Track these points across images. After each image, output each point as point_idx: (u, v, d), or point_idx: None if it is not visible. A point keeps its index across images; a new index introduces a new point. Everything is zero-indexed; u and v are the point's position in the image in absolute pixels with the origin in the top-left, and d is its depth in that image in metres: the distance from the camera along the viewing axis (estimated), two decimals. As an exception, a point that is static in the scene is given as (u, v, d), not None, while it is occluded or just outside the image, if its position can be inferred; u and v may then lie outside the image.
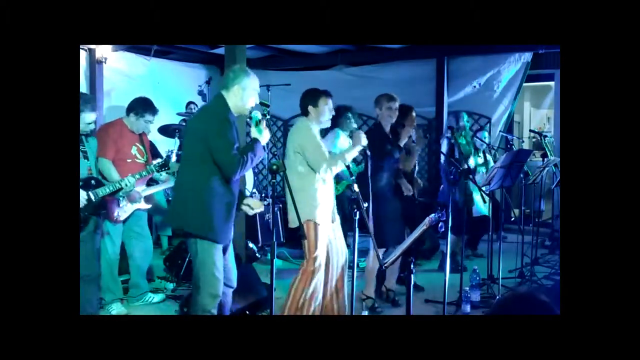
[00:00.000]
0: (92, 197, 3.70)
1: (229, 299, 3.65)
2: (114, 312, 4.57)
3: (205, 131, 3.31)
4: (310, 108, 4.07)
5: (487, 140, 6.57)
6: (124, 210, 4.62)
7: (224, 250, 3.50)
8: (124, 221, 4.68)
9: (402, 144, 4.70)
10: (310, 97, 4.09)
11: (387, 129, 4.76)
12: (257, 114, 3.48)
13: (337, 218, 4.27)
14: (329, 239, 4.17)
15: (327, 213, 4.12)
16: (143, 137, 4.84)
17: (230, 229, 3.46)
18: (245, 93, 3.43)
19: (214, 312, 3.42)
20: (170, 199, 6.98)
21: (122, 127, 4.70)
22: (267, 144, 3.48)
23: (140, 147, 4.76)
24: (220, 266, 3.39)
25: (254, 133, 3.46)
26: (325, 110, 4.08)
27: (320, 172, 3.97)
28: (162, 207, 6.51)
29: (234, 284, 3.65)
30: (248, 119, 3.58)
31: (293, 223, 3.97)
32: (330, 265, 4.20)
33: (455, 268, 5.47)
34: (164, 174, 4.86)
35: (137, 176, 4.22)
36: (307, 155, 3.98)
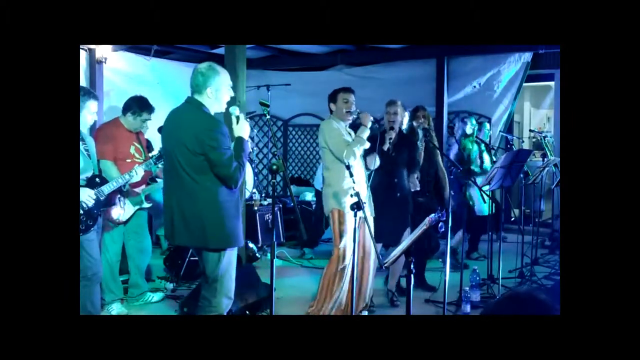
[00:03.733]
0: (98, 196, 3.71)
1: None
2: (114, 312, 4.57)
3: (202, 146, 3.14)
4: (330, 105, 4.35)
5: (486, 138, 6.57)
6: (125, 211, 4.61)
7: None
8: (125, 222, 4.68)
9: (385, 148, 4.59)
10: (330, 95, 4.35)
11: (387, 129, 4.76)
12: (235, 110, 3.34)
13: (370, 218, 4.24)
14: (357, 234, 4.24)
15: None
16: (140, 135, 4.82)
17: (241, 227, 3.45)
18: (219, 93, 3.29)
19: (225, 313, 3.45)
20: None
21: (119, 127, 4.68)
22: (267, 143, 3.47)
23: (138, 146, 4.73)
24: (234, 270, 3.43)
25: (237, 130, 3.32)
26: (342, 105, 4.31)
27: (344, 158, 4.12)
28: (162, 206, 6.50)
29: None
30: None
31: (326, 212, 4.34)
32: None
33: (454, 265, 5.50)
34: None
35: (144, 167, 4.19)
36: (330, 146, 4.21)
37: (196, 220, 3.23)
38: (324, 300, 4.30)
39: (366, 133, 4.23)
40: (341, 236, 4.23)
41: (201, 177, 3.19)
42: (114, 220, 4.57)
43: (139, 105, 4.68)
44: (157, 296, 4.99)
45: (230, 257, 3.34)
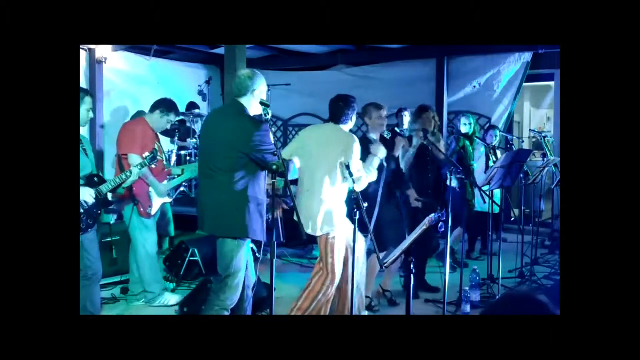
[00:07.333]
0: (97, 195, 3.73)
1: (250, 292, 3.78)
2: (171, 303, 4.75)
3: (246, 146, 3.37)
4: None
5: (495, 141, 6.57)
6: (154, 205, 4.75)
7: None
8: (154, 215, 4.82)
9: (396, 154, 4.58)
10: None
11: (378, 138, 4.61)
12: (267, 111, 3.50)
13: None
14: (348, 242, 4.09)
15: (343, 220, 4.07)
16: (158, 136, 4.97)
17: (264, 225, 3.58)
18: (261, 97, 3.58)
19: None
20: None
21: (145, 125, 4.80)
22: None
23: (159, 145, 4.85)
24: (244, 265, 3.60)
25: None
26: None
27: (357, 184, 3.74)
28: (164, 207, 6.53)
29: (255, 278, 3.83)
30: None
31: (312, 230, 3.93)
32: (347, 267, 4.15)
33: (453, 264, 5.52)
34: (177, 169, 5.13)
35: (139, 167, 4.23)
36: (356, 169, 3.87)
37: (219, 208, 3.47)
38: (303, 307, 4.04)
39: (376, 163, 4.14)
40: (335, 259, 3.96)
41: (233, 174, 3.40)
42: (145, 214, 4.69)
43: (167, 106, 4.84)
44: (175, 298, 4.91)
45: (243, 254, 3.53)
